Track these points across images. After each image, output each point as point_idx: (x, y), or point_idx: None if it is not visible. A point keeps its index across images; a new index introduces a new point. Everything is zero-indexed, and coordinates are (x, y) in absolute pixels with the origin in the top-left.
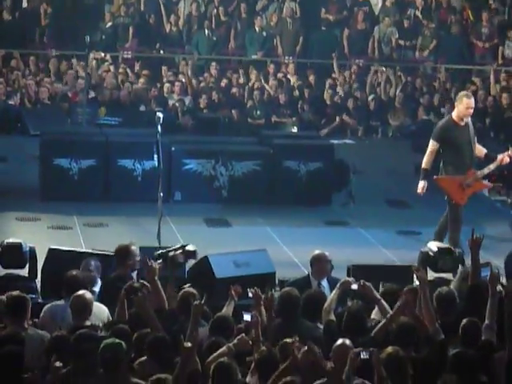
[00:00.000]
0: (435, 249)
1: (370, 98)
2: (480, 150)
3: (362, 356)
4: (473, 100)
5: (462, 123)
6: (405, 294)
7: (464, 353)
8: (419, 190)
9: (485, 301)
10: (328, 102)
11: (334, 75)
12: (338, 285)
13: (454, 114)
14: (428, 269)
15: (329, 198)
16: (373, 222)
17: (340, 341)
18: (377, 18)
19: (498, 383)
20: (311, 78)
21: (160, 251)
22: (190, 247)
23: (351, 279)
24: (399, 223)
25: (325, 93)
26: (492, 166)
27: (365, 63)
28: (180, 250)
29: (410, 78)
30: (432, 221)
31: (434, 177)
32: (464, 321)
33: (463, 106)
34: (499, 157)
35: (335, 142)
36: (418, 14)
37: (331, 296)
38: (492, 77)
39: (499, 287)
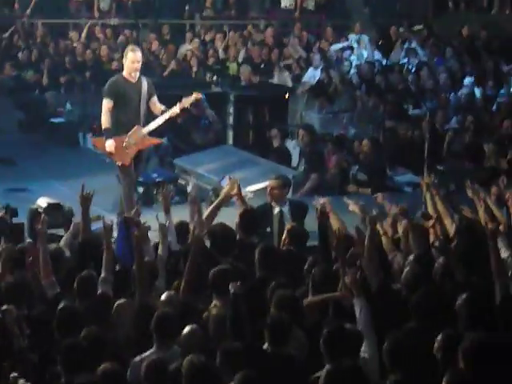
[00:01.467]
0: (44, 205)
1: None
2: (159, 109)
3: None
4: (139, 53)
5: (132, 79)
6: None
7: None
8: (109, 149)
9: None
10: None
11: None
12: None
13: (125, 70)
14: None
15: None
16: None
17: None
18: None
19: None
20: None
21: None
22: None
23: None
24: (6, 181)
25: None
26: (160, 121)
27: None
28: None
29: (6, 34)
30: (39, 177)
31: (91, 138)
32: (80, 274)
33: (129, 61)
34: (170, 110)
35: None
36: None
37: None
38: (85, 31)
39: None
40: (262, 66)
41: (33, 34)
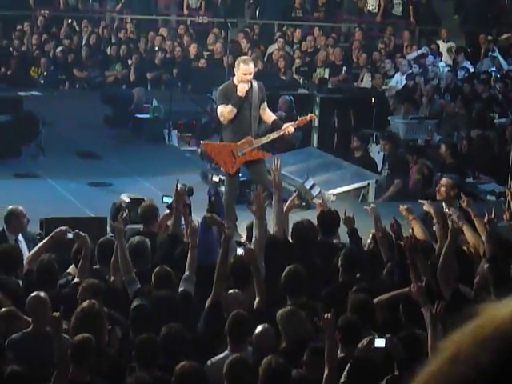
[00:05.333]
0: (127, 200)
1: (58, 49)
2: (269, 117)
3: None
4: (251, 65)
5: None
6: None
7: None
8: (242, 91)
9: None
10: (14, 54)
11: (19, 27)
12: (52, 234)
13: (236, 78)
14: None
15: (18, 151)
16: (64, 174)
17: (34, 293)
18: None
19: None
20: None
21: None
22: None
23: (65, 228)
24: (90, 175)
25: (12, 44)
26: (272, 136)
27: (51, 14)
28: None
29: (95, 29)
30: (123, 172)
31: (201, 142)
32: (157, 268)
33: (241, 72)
34: (284, 126)
35: (23, 93)
36: None
37: (39, 245)
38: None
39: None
40: (349, 69)
41: (122, 30)
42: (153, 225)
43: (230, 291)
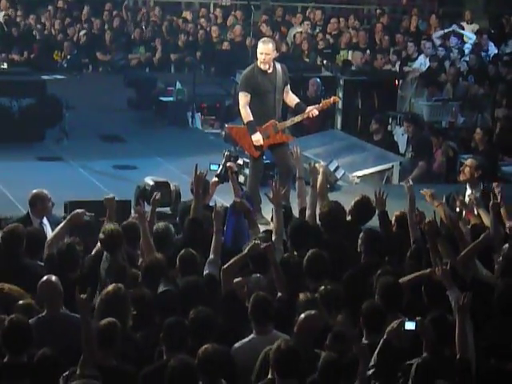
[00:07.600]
0: (151, 183)
1: (81, 33)
2: (291, 100)
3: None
4: (269, 46)
5: (268, 70)
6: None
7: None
8: (256, 143)
9: (204, 234)
10: (37, 38)
11: (42, 11)
12: (69, 217)
13: (258, 61)
14: (145, 203)
15: (42, 134)
16: (88, 157)
17: (45, 277)
18: None
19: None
20: (19, 14)
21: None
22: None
23: (81, 210)
24: (115, 158)
25: (35, 28)
26: (296, 119)
27: None
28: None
29: (119, 12)
30: (147, 155)
31: (226, 125)
32: (181, 252)
33: (258, 52)
34: (308, 108)
35: (46, 77)
36: None
37: (57, 229)
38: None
39: None
40: (372, 51)
41: (145, 12)
42: (205, 198)
43: (252, 276)
